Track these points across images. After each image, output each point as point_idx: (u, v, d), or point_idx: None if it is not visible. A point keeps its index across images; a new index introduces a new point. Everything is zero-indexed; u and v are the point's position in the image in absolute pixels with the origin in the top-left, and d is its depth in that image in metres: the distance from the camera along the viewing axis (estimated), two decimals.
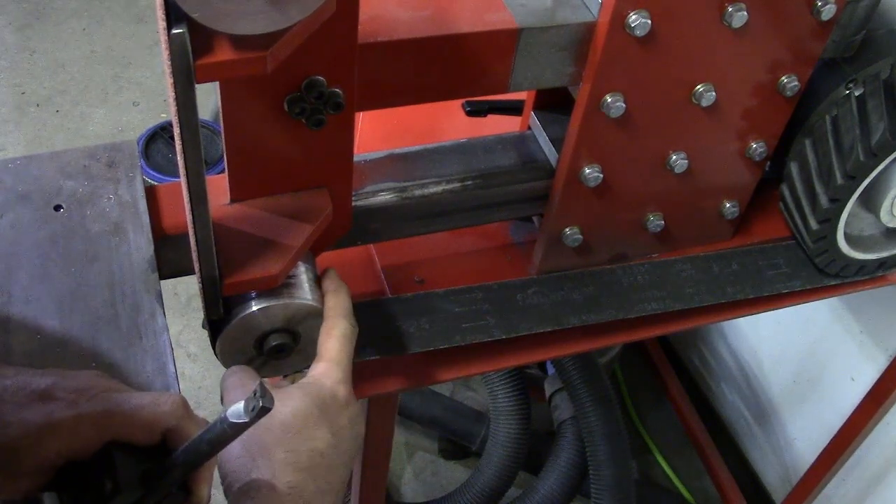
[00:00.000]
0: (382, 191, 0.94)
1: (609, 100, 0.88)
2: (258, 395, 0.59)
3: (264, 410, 0.59)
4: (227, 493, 0.71)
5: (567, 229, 1.01)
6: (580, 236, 1.01)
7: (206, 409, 2.11)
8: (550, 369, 1.81)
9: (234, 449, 0.71)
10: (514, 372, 1.75)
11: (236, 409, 0.60)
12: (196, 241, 0.73)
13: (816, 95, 1.00)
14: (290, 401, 0.74)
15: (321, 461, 0.73)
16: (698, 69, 0.90)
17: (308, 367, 0.84)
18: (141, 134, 2.30)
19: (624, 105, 0.88)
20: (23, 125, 2.69)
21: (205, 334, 0.83)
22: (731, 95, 0.93)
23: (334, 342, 0.80)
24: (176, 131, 0.67)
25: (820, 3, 0.88)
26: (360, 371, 0.92)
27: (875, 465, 1.65)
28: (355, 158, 0.84)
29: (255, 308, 0.79)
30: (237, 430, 0.61)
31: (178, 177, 0.71)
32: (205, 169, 0.69)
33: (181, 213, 0.92)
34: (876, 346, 1.58)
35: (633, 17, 0.81)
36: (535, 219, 1.05)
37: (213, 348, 0.81)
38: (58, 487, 0.66)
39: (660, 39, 0.84)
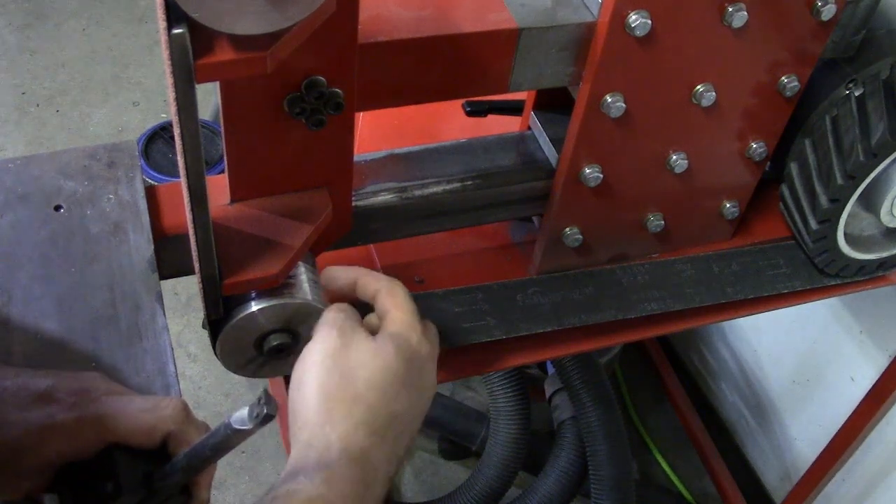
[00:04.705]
0: (382, 191, 0.94)
1: (609, 100, 0.88)
2: (262, 402, 0.59)
3: (268, 418, 0.59)
4: (292, 432, 0.69)
5: (567, 229, 1.01)
6: (580, 236, 1.01)
7: (207, 410, 2.12)
8: (550, 369, 1.80)
9: (311, 398, 0.68)
10: (514, 372, 1.75)
11: (240, 416, 0.60)
12: (196, 241, 0.73)
13: (816, 95, 1.00)
14: (381, 355, 0.71)
15: (395, 425, 0.70)
16: (698, 69, 0.90)
17: None
18: (141, 134, 2.30)
19: (624, 105, 0.88)
20: (23, 125, 2.69)
21: (205, 334, 0.82)
22: (731, 95, 0.93)
23: (401, 300, 0.77)
24: (176, 131, 0.67)
25: (820, 3, 0.88)
26: None
27: (875, 465, 1.65)
28: (355, 158, 0.84)
29: (255, 308, 0.79)
30: (240, 436, 0.61)
31: (178, 177, 0.71)
32: (205, 169, 0.69)
33: (181, 213, 0.92)
34: (876, 346, 1.58)
35: (633, 17, 0.81)
36: (535, 219, 1.05)
37: (213, 348, 0.81)
38: (59, 488, 0.66)
39: (660, 39, 0.84)
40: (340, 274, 0.82)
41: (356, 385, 0.69)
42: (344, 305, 0.77)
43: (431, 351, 0.76)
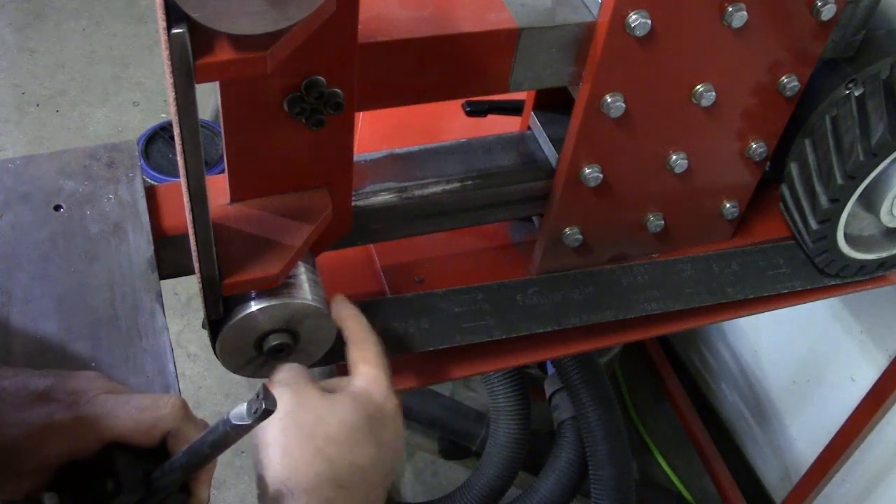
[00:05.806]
0: (382, 191, 0.94)
1: (609, 100, 0.88)
2: (261, 397, 0.59)
3: (267, 413, 0.59)
4: (260, 494, 0.69)
5: (567, 229, 1.01)
6: (580, 236, 1.01)
7: (206, 410, 2.12)
8: (550, 369, 1.80)
9: (273, 453, 0.69)
10: (514, 372, 1.75)
11: (239, 412, 0.60)
12: (196, 241, 0.73)
13: (816, 95, 1.00)
14: (338, 410, 0.71)
15: (361, 478, 0.70)
16: (698, 69, 0.90)
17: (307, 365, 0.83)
18: (141, 134, 2.30)
19: (624, 105, 0.88)
20: (23, 125, 2.69)
21: (205, 334, 0.82)
22: (731, 95, 0.93)
23: (372, 354, 0.78)
24: (176, 131, 0.67)
25: (820, 3, 0.88)
26: None
27: (875, 465, 1.65)
28: (355, 158, 0.84)
29: (254, 308, 0.79)
30: (239, 432, 0.61)
31: (178, 177, 0.71)
32: (205, 169, 0.69)
33: (181, 213, 0.92)
34: (876, 346, 1.58)
35: (633, 17, 0.81)
36: (535, 219, 1.05)
37: (213, 348, 0.81)
38: (58, 488, 0.66)
39: (660, 39, 0.84)
40: (339, 308, 0.83)
41: (315, 440, 0.69)
42: (294, 365, 0.77)
43: (397, 407, 0.76)
